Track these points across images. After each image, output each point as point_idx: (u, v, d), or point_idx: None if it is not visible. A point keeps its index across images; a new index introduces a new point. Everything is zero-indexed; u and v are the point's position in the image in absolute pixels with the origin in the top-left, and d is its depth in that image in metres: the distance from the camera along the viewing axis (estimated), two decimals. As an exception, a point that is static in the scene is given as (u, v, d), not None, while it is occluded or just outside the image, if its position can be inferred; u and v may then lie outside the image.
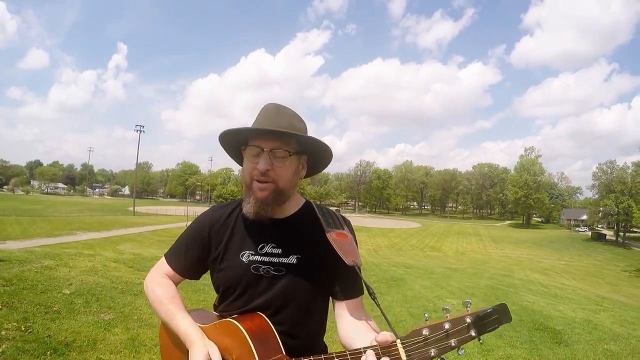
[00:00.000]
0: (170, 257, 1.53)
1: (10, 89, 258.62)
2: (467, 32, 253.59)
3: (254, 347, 1.20)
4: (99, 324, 4.55)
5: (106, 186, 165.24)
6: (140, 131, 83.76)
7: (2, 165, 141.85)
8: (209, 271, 1.53)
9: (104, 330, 4.37)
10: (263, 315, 1.32)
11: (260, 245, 1.38)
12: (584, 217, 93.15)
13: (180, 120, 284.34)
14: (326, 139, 1.40)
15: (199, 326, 1.33)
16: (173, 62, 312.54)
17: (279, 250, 1.37)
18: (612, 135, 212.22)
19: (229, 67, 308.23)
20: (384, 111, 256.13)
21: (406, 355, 1.00)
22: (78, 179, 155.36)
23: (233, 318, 1.31)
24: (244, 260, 1.37)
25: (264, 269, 1.36)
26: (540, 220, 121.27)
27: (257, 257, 1.37)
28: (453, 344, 0.97)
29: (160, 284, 1.47)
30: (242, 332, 1.23)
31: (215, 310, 1.52)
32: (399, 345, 1.01)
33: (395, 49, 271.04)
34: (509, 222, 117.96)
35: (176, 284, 1.52)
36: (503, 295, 9.95)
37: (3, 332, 3.85)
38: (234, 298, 1.39)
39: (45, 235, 28.88)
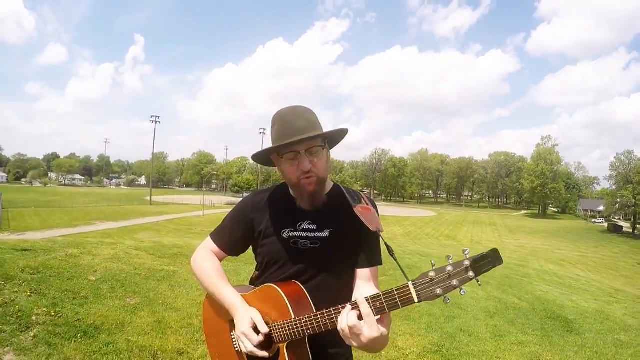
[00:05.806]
0: (216, 237, 1.78)
1: (28, 84, 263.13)
2: (484, 20, 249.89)
3: (290, 306, 1.45)
4: (125, 308, 4.75)
5: (123, 177, 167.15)
6: (156, 122, 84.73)
7: (20, 159, 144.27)
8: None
9: (130, 314, 4.57)
10: (297, 282, 1.57)
11: (298, 223, 1.61)
12: (601, 208, 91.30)
13: (197, 111, 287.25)
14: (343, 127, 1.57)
15: (242, 295, 1.60)
16: (190, 53, 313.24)
17: (314, 226, 1.61)
18: (631, 124, 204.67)
19: (246, 56, 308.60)
20: (401, 99, 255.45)
21: (416, 294, 1.22)
22: (95, 171, 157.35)
23: (272, 283, 1.57)
24: (285, 236, 1.61)
25: (301, 242, 1.61)
26: (556, 210, 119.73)
27: (296, 233, 1.61)
28: (455, 283, 1.17)
29: (207, 259, 1.73)
30: (281, 294, 1.48)
31: (253, 284, 1.76)
32: (411, 287, 1.23)
33: (413, 38, 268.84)
34: (525, 211, 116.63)
35: (220, 260, 1.76)
36: (517, 284, 9.94)
37: (34, 317, 4.05)
38: (275, 269, 1.64)
39: (65, 225, 29.48)
